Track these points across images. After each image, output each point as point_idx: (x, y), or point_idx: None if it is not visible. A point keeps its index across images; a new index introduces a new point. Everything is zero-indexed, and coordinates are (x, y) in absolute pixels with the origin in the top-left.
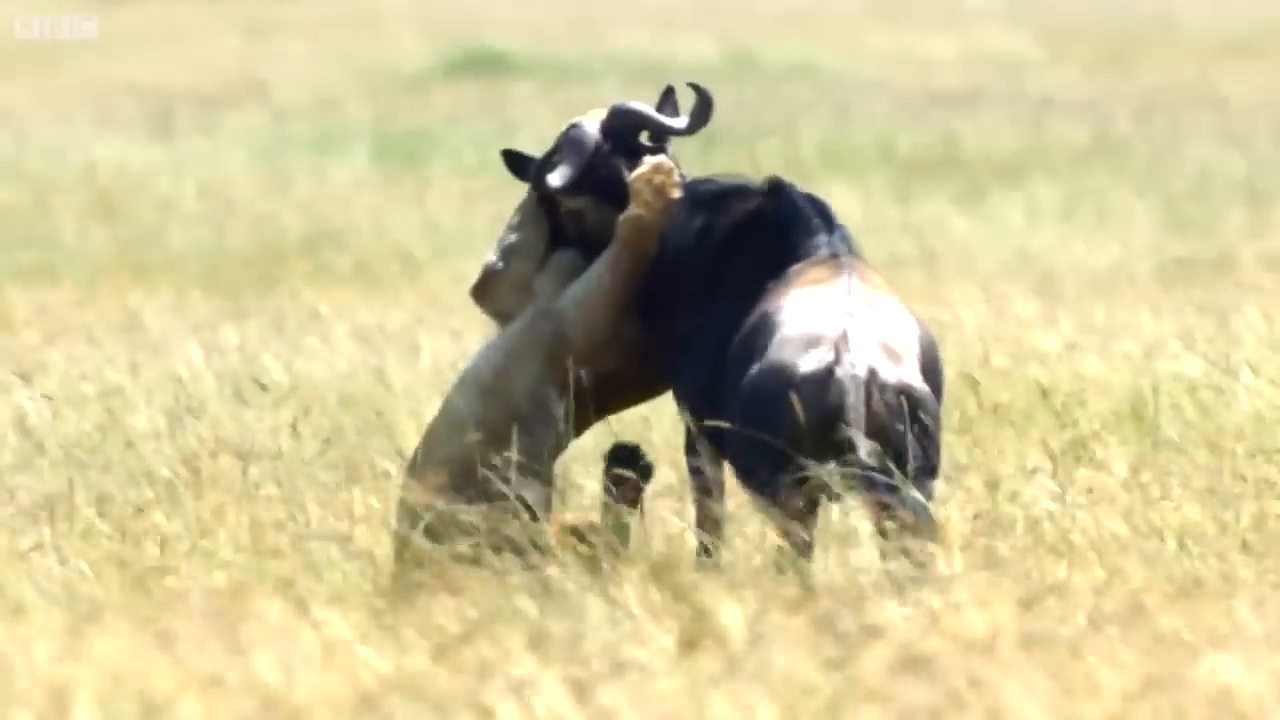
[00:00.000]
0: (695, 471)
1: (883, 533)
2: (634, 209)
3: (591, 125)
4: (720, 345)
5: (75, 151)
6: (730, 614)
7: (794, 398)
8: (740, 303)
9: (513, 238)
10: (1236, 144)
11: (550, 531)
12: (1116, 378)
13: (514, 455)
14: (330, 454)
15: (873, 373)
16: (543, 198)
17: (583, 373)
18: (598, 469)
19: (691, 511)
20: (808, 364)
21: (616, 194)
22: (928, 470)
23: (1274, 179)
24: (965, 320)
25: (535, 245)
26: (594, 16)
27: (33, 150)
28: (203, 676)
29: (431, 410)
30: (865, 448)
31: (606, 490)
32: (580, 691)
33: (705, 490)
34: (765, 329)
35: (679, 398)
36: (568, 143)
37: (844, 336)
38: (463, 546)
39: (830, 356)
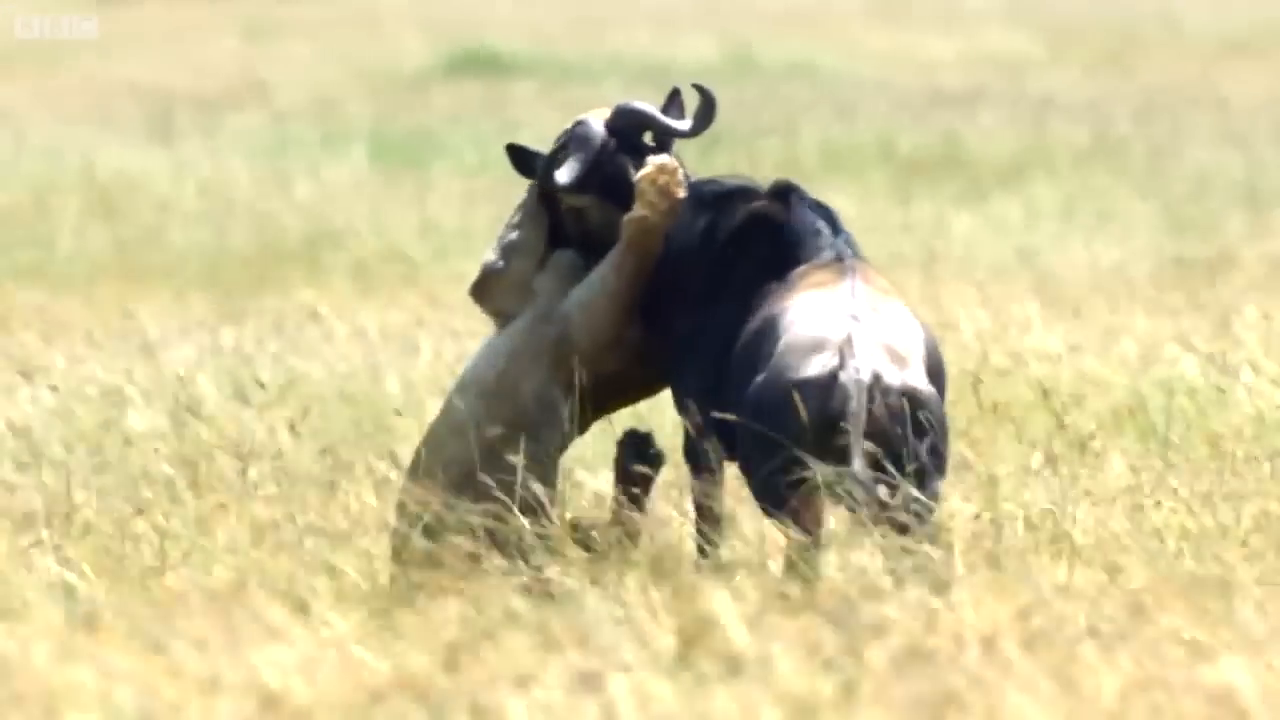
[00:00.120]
0: (694, 472)
1: (882, 535)
2: (639, 210)
3: (597, 123)
4: (723, 347)
5: (75, 152)
6: (730, 614)
7: (797, 402)
8: (743, 304)
9: (512, 236)
10: (1237, 144)
11: (555, 530)
12: (1116, 378)
13: (520, 458)
14: (329, 454)
15: (876, 377)
16: (543, 196)
17: (583, 373)
18: (596, 468)
19: (691, 511)
20: (812, 369)
21: (620, 193)
22: (933, 472)
23: (1274, 180)
24: (965, 320)
25: (535, 244)
26: (594, 16)
27: (32, 150)
28: (202, 677)
29: (431, 411)
30: (860, 456)
31: (618, 478)
32: (581, 691)
33: (704, 490)
34: (770, 333)
35: (679, 398)
36: (575, 140)
37: (848, 341)
38: (463, 545)
39: (834, 361)
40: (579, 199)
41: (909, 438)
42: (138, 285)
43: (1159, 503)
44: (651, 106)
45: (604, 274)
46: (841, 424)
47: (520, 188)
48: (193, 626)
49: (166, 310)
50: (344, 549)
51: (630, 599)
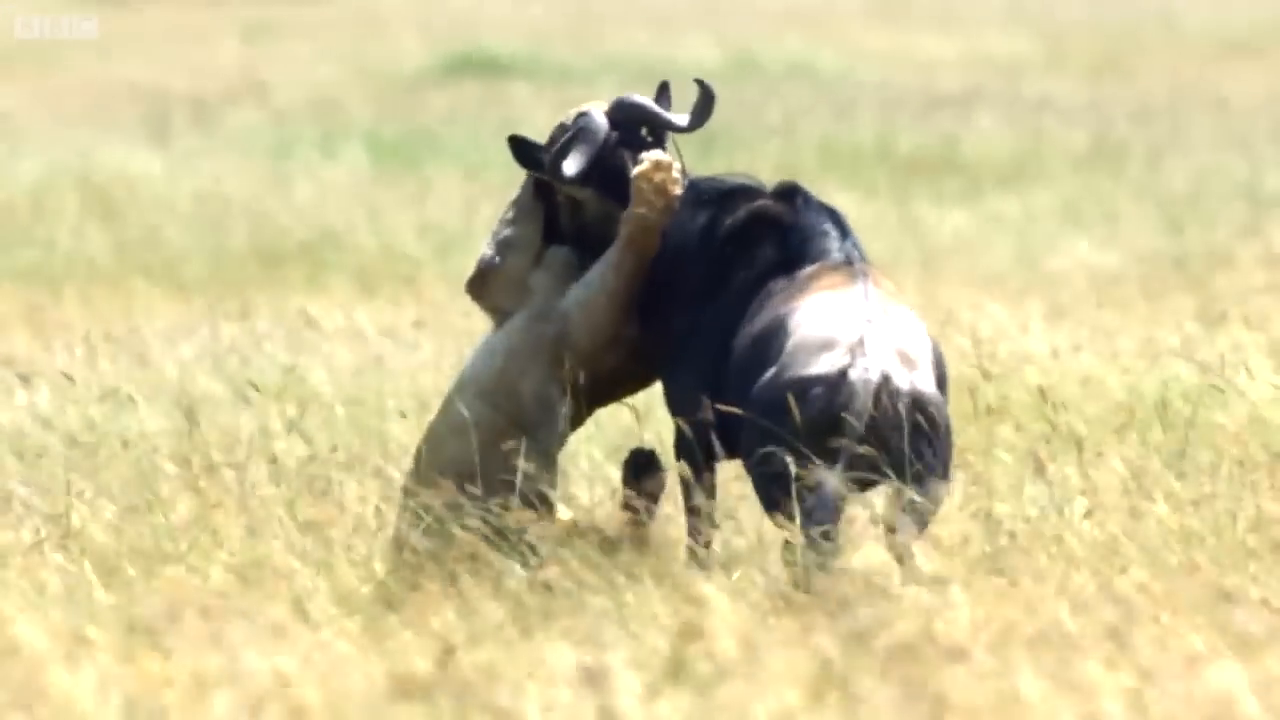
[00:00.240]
0: (685, 469)
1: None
2: (637, 208)
3: (600, 115)
4: (723, 344)
5: (74, 152)
6: (726, 613)
7: (804, 398)
8: (746, 302)
9: (508, 232)
10: (1236, 145)
11: (555, 528)
12: (1115, 379)
13: (520, 456)
14: (328, 454)
15: (886, 378)
16: (538, 190)
17: (579, 371)
18: (595, 466)
19: (683, 509)
20: (822, 366)
21: (619, 187)
22: (938, 475)
23: (1274, 180)
24: (964, 321)
25: (531, 239)
26: (593, 18)
27: (31, 150)
28: (201, 677)
29: (430, 410)
30: (846, 457)
31: (626, 495)
32: (579, 691)
33: (696, 489)
34: (781, 331)
35: (672, 395)
36: (580, 131)
37: (860, 342)
38: (463, 545)
39: (845, 360)
40: (580, 191)
41: (905, 442)
42: (137, 285)
43: (1157, 504)
44: (650, 101)
45: (603, 272)
46: (843, 422)
47: (520, 183)
48: (192, 626)
49: (165, 310)
50: (343, 549)
51: (629, 597)
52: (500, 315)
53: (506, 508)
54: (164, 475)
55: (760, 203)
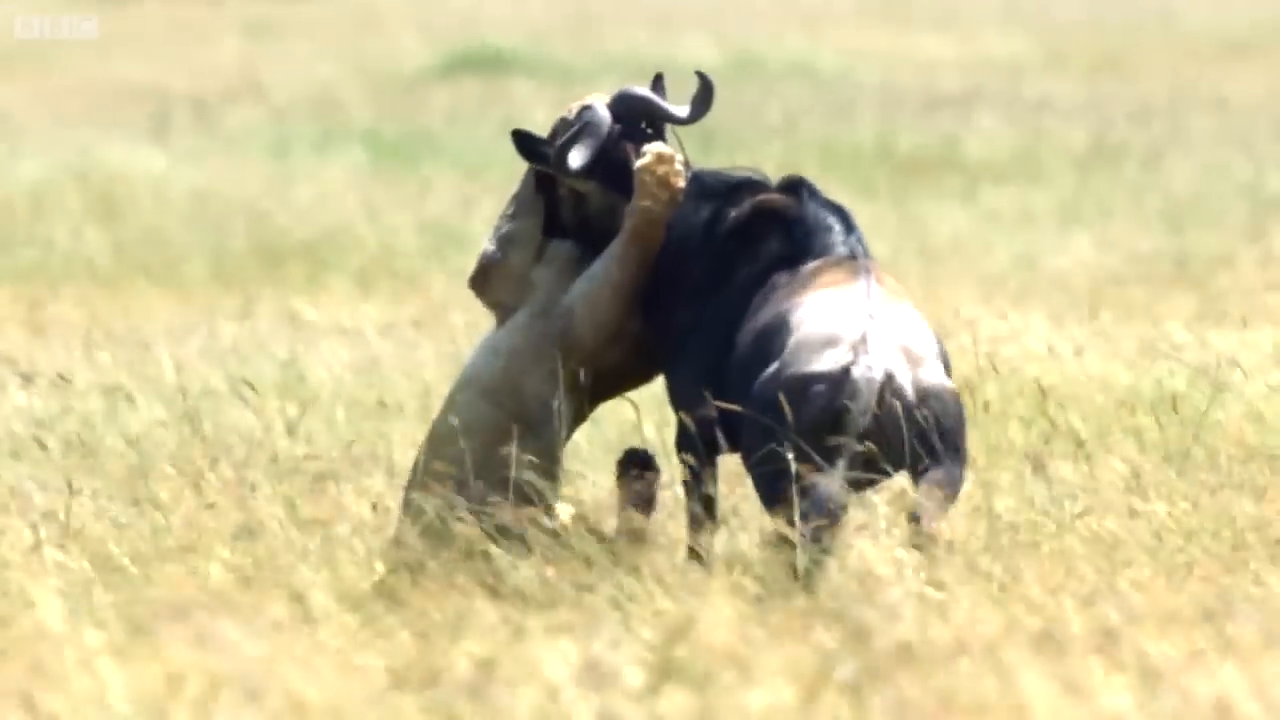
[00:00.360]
0: (686, 464)
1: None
2: (641, 201)
3: (603, 107)
4: (726, 338)
5: (73, 151)
6: (724, 611)
7: (806, 395)
8: (749, 296)
9: (509, 227)
10: (1236, 145)
11: (558, 526)
12: (1115, 378)
13: (524, 454)
14: (328, 453)
15: (889, 376)
16: (539, 184)
17: (583, 367)
18: (595, 463)
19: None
20: (825, 363)
21: (622, 179)
22: (953, 467)
23: (1274, 180)
24: (964, 320)
25: (533, 234)
26: (593, 16)
27: (31, 150)
28: (200, 675)
29: (430, 410)
30: (847, 456)
31: (621, 495)
32: (578, 688)
33: (696, 483)
34: (784, 327)
35: (674, 389)
36: (586, 124)
37: (863, 339)
38: (463, 543)
39: (848, 357)
40: (583, 184)
41: (917, 434)
42: (136, 284)
43: (1156, 504)
44: (652, 93)
45: (607, 266)
46: (846, 419)
47: (518, 182)
48: (191, 625)
49: (165, 309)
50: (342, 548)
51: (628, 594)
52: (502, 310)
53: (506, 506)
54: (163, 474)
55: (764, 196)
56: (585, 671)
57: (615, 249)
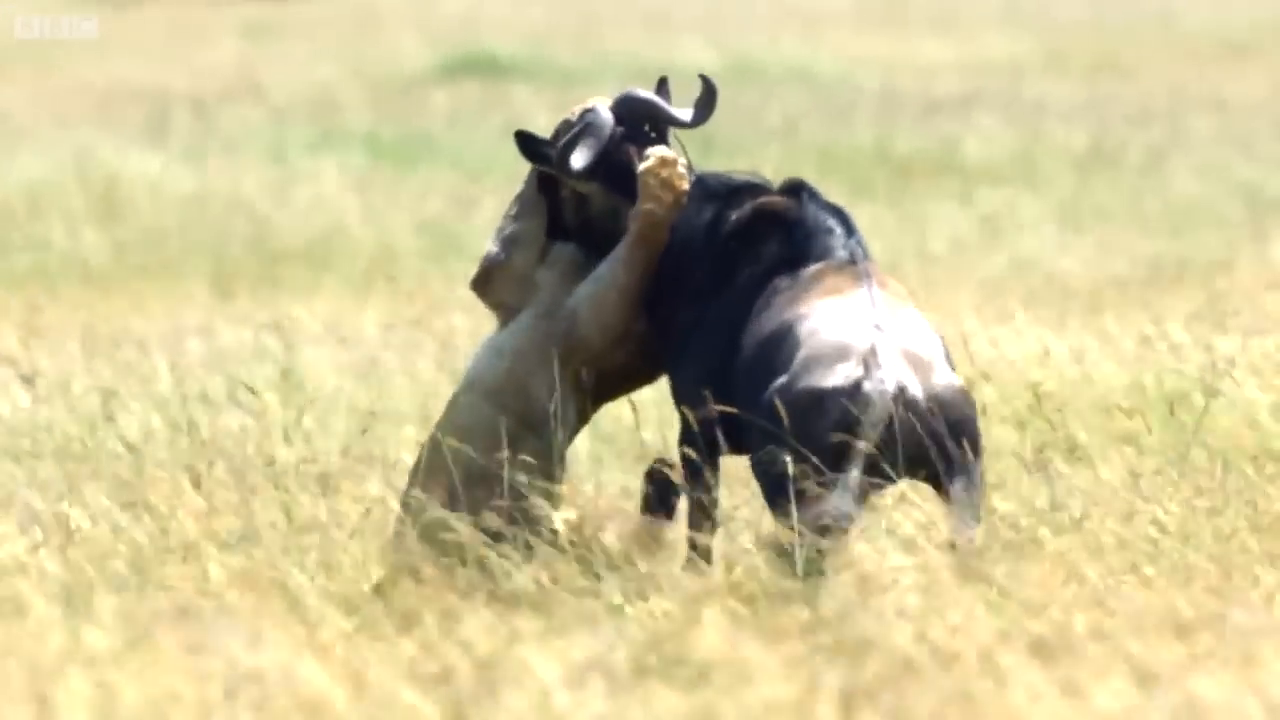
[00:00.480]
0: (688, 465)
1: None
2: (645, 203)
3: (605, 109)
4: (728, 340)
5: (73, 152)
6: (723, 613)
7: (819, 409)
8: (751, 298)
9: (513, 228)
10: (1236, 146)
11: (560, 528)
12: (1114, 380)
13: (524, 457)
14: (326, 455)
15: (901, 389)
16: (542, 185)
17: (586, 368)
18: (595, 464)
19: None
20: (836, 378)
21: (624, 181)
22: (975, 470)
23: (1274, 181)
24: (962, 324)
25: (536, 234)
26: (592, 20)
27: (30, 150)
28: (199, 677)
29: (428, 412)
30: (858, 466)
31: (646, 504)
32: (575, 690)
33: (698, 484)
34: (790, 337)
35: (677, 388)
36: (588, 126)
37: (872, 351)
38: (465, 543)
39: (859, 372)
40: (585, 185)
41: (936, 442)
42: (135, 285)
43: (1155, 505)
44: (655, 96)
45: (612, 267)
46: (861, 435)
47: (520, 183)
48: (190, 628)
49: (164, 310)
50: (341, 550)
51: (626, 596)
52: (505, 312)
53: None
54: (162, 477)
55: (765, 199)
56: (580, 674)
57: (620, 252)
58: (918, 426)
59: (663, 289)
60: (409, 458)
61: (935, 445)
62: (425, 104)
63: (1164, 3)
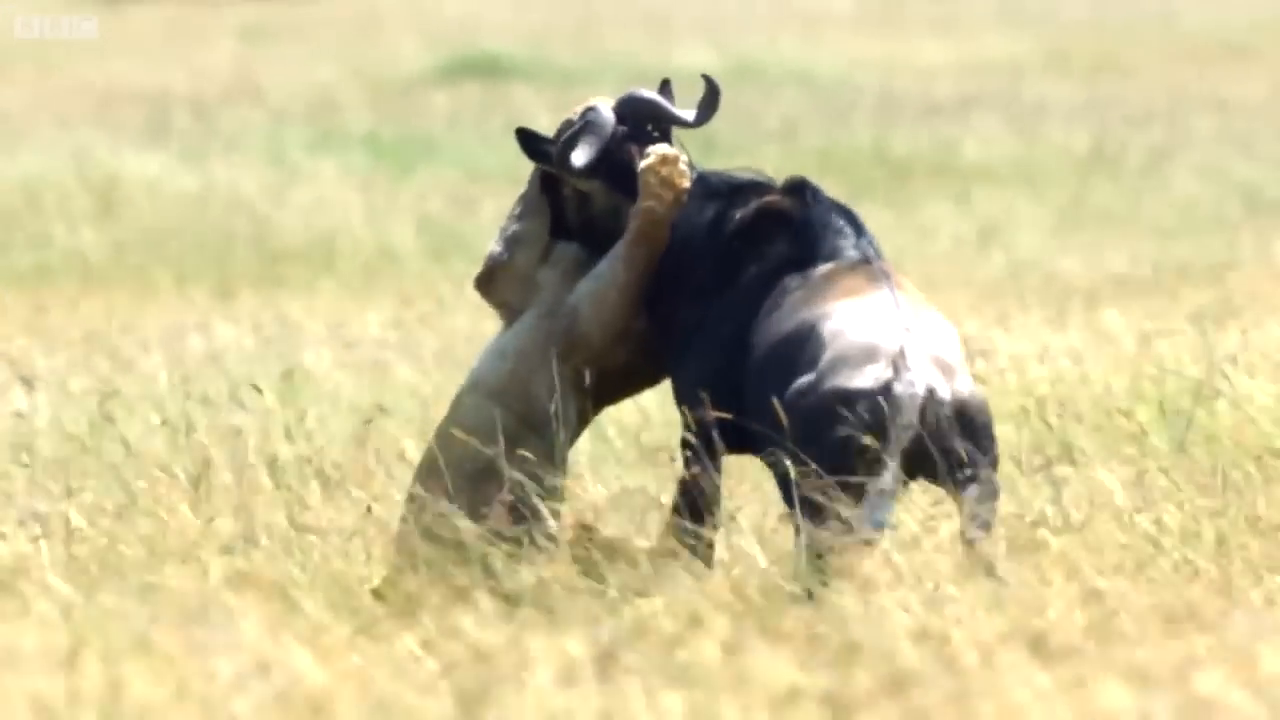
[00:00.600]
0: (689, 464)
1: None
2: (646, 201)
3: (607, 108)
4: (733, 338)
5: (72, 152)
6: (723, 615)
7: (849, 411)
8: (755, 298)
9: (515, 227)
10: (1236, 147)
11: (563, 531)
12: (1114, 382)
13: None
14: (327, 455)
15: (931, 391)
16: (545, 185)
17: (588, 368)
18: (596, 465)
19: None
20: (864, 379)
21: (626, 180)
22: (992, 474)
23: (1274, 181)
24: (961, 325)
25: (539, 234)
26: (592, 21)
27: (30, 151)
28: (199, 678)
29: (431, 411)
30: (893, 470)
31: (676, 511)
32: (575, 691)
33: (701, 485)
34: (814, 338)
35: (678, 388)
36: (588, 124)
37: (901, 353)
38: (467, 543)
39: (888, 374)
40: (586, 184)
41: (958, 447)
42: (135, 286)
43: (1155, 506)
44: (659, 96)
45: (613, 266)
46: (890, 437)
47: (520, 184)
48: (191, 629)
49: (163, 311)
50: (343, 550)
51: (627, 598)
52: (508, 312)
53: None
54: (162, 477)
55: (770, 198)
56: (581, 672)
57: (621, 249)
58: (944, 430)
59: (664, 287)
60: (410, 458)
61: (956, 450)
62: (425, 105)
63: (1164, 3)
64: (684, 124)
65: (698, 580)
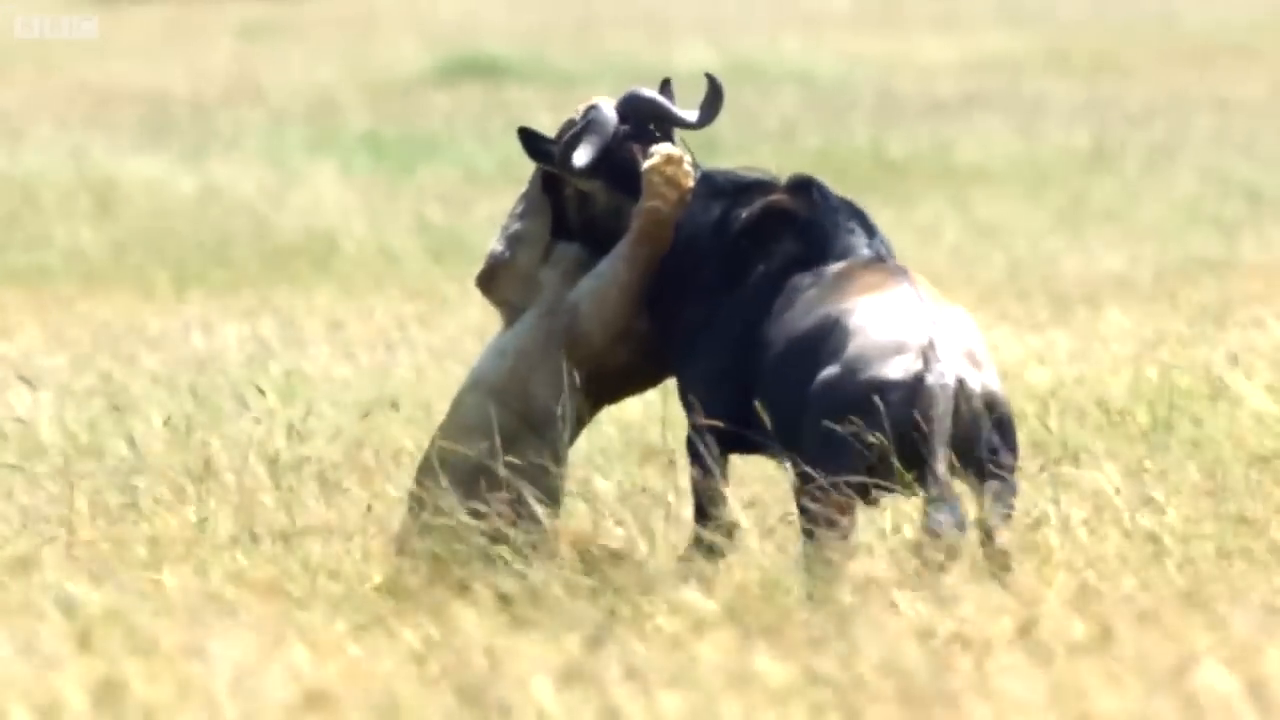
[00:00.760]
0: (694, 463)
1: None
2: (649, 201)
3: (609, 108)
4: (743, 337)
5: (72, 152)
6: (723, 617)
7: (882, 401)
8: (764, 296)
9: (517, 226)
10: (1237, 146)
11: (559, 534)
12: (1114, 382)
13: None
14: (328, 455)
15: (961, 382)
16: (546, 185)
17: (589, 367)
18: (596, 466)
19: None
20: (895, 370)
21: (628, 180)
22: (1013, 470)
23: (1274, 181)
24: None
25: (540, 233)
26: (591, 21)
27: (29, 151)
28: (199, 678)
29: (431, 410)
30: (944, 460)
31: (699, 520)
32: (575, 692)
33: (705, 485)
34: (837, 332)
35: (684, 387)
36: (590, 123)
37: (931, 345)
38: (468, 542)
39: (918, 364)
40: (588, 183)
41: (985, 440)
42: (135, 286)
43: (1156, 507)
44: (661, 96)
45: (614, 265)
46: (923, 429)
47: (519, 185)
48: (191, 629)
49: (164, 312)
50: (343, 549)
51: (627, 601)
52: (510, 310)
53: (517, 513)
54: (163, 477)
55: (776, 197)
56: (581, 672)
57: (623, 248)
58: (975, 421)
59: (667, 287)
60: (410, 457)
61: (988, 441)
62: (424, 106)
63: (1164, 3)
64: (686, 124)
65: (698, 580)
